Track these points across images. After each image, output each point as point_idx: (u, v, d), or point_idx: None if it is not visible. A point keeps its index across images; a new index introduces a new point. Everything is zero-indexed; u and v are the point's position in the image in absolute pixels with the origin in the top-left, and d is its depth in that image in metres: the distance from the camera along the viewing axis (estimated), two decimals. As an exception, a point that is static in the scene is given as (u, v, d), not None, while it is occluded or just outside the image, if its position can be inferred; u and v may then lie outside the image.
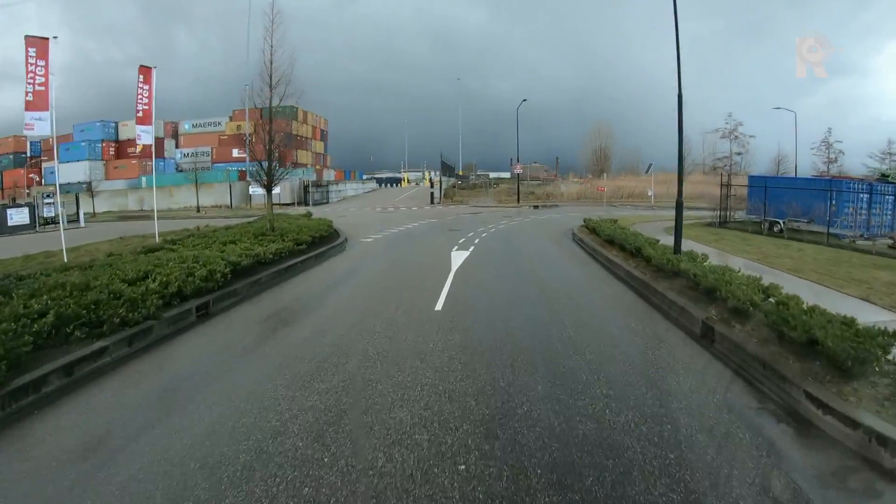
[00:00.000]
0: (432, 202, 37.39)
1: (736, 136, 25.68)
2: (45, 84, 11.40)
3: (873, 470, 2.98)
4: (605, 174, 54.35)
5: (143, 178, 49.22)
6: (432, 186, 41.33)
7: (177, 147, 54.25)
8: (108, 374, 4.72)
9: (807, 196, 16.75)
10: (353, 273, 9.52)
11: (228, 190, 40.11)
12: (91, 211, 39.30)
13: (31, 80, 11.25)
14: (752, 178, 20.90)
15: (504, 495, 2.68)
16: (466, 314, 6.19)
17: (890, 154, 27.24)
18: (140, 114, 15.02)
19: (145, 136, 15.46)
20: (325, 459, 3.06)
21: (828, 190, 16.48)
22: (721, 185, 19.19)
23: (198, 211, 35.29)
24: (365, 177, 67.91)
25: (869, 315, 6.03)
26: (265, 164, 12.37)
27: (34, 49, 11.37)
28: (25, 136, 56.14)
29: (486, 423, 3.47)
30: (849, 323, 4.68)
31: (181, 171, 48.28)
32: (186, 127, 54.37)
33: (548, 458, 3.03)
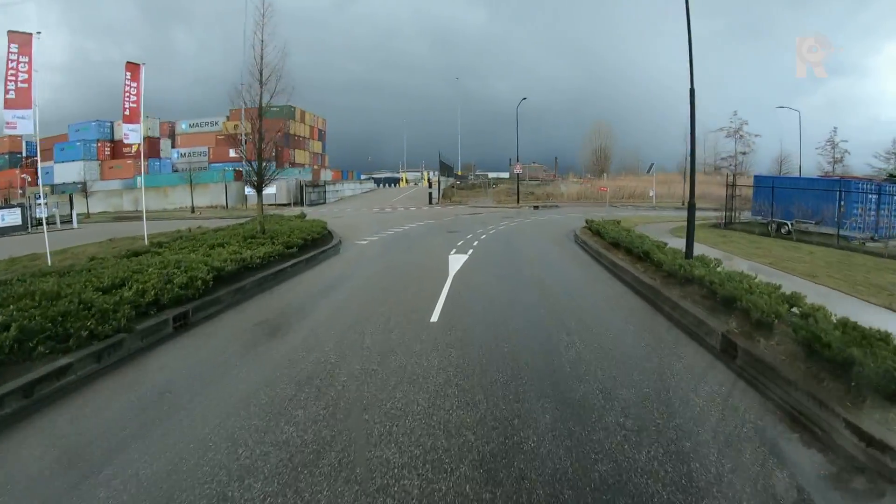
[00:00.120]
0: (430, 202, 36.89)
1: (741, 136, 25.22)
2: (28, 81, 10.92)
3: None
4: (605, 174, 53.91)
5: (139, 178, 48.52)
6: (430, 187, 40.83)
7: (174, 147, 53.71)
8: (71, 396, 4.25)
9: (815, 197, 16.31)
10: (345, 279, 9.02)
11: (224, 190, 39.58)
12: (85, 211, 38.78)
13: (14, 78, 10.77)
14: (757, 178, 20.43)
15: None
16: (464, 327, 5.69)
17: (896, 154, 26.88)
18: (127, 112, 14.52)
19: (133, 134, 14.95)
20: (296, 512, 2.58)
21: (836, 190, 16.05)
22: (726, 185, 18.73)
23: (192, 212, 34.76)
24: (363, 177, 67.38)
25: (898, 326, 5.57)
26: (255, 164, 11.86)
27: (16, 45, 10.88)
28: (10, 136, 55.55)
29: (486, 463, 2.99)
30: (885, 338, 4.25)
31: (177, 171, 47.72)
32: (183, 126, 53.83)
33: (560, 511, 2.56)
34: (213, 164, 49.15)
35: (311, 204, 38.01)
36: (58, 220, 29.66)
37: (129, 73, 14.45)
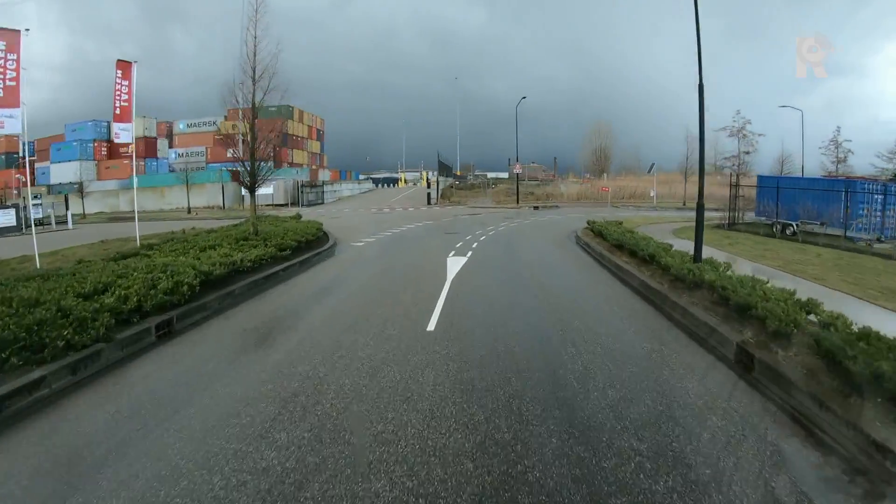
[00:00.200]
0: (429, 203, 36.56)
1: (744, 135, 24.87)
2: (17, 79, 10.60)
3: None
4: (605, 174, 53.68)
5: (135, 179, 48.28)
6: (429, 187, 40.48)
7: (172, 147, 53.32)
8: (43, 412, 3.94)
9: (820, 197, 16.03)
10: (339, 283, 8.68)
11: (221, 190, 39.20)
12: (81, 212, 38.44)
13: (1, 76, 10.45)
14: (761, 178, 20.13)
15: None
16: (463, 337, 5.35)
17: (899, 153, 26.56)
18: (118, 111, 14.21)
19: (124, 134, 14.62)
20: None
21: (842, 191, 15.77)
22: (730, 185, 18.42)
23: (189, 212, 34.41)
24: (361, 177, 67.04)
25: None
26: (249, 164, 11.53)
27: (4, 42, 10.56)
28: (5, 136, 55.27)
29: (487, 498, 2.67)
30: (913, 349, 3.95)
31: (174, 171, 47.34)
32: (181, 126, 53.44)
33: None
34: (210, 165, 48.75)
35: (309, 204, 37.67)
36: (53, 221, 29.39)
37: (119, 72, 14.13)
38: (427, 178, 45.42)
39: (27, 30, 11.29)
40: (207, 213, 34.22)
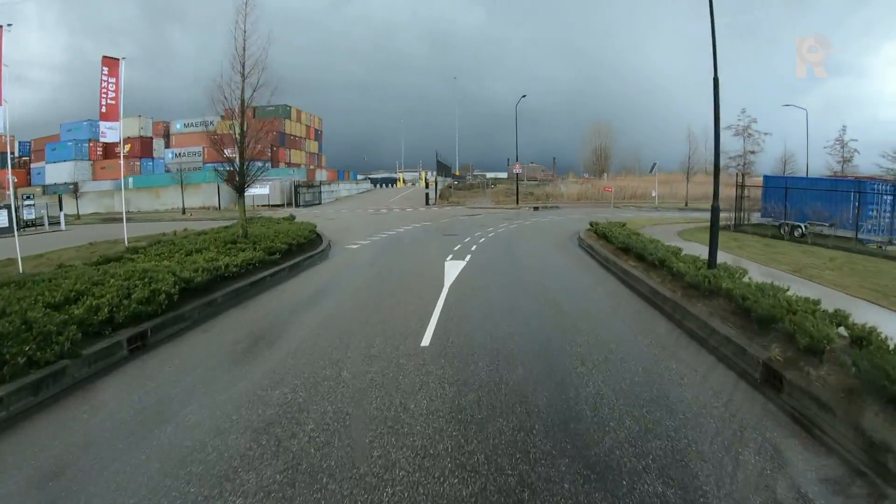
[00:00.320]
0: (427, 203, 36.08)
1: (749, 134, 24.40)
2: (-2, 76, 10.15)
3: None
4: (605, 174, 53.25)
5: (131, 179, 47.82)
6: (427, 187, 39.99)
7: (169, 147, 52.79)
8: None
9: (829, 198, 15.57)
10: (329, 290, 8.15)
11: (217, 191, 38.65)
12: (75, 212, 37.96)
13: (-18, 73, 10.02)
14: (767, 178, 19.66)
15: None
16: (460, 354, 4.84)
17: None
18: (104, 109, 13.73)
19: (111, 132, 14.15)
20: None
21: (852, 191, 15.32)
22: (736, 185, 17.95)
23: (183, 213, 33.92)
24: (360, 177, 66.53)
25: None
26: (238, 164, 11.04)
27: (-14, 39, 10.12)
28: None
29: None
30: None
31: (169, 171, 46.85)
32: (178, 126, 52.90)
33: None
34: (207, 165, 48.24)
35: (306, 205, 37.17)
36: (46, 222, 28.94)
37: (106, 69, 13.65)
38: (426, 179, 44.91)
39: (9, 25, 10.85)
40: (203, 213, 33.73)
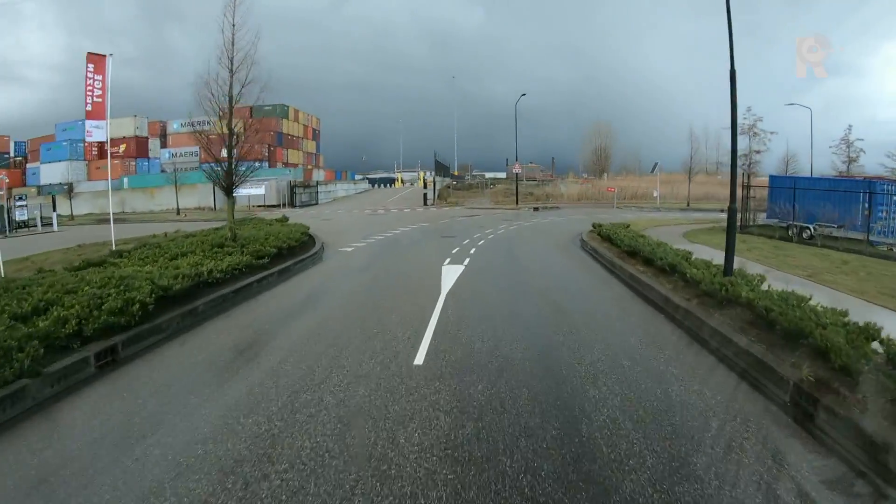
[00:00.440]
0: (425, 204, 35.62)
1: (755, 133, 23.99)
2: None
3: None
4: (605, 174, 52.85)
5: (126, 179, 47.37)
6: (426, 187, 39.50)
7: (166, 147, 52.33)
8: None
9: (838, 199, 15.14)
10: (318, 299, 7.62)
11: (212, 191, 38.15)
12: (69, 213, 37.49)
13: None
14: (773, 178, 19.22)
15: None
16: (457, 375, 4.34)
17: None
18: (90, 107, 13.24)
19: (97, 132, 13.64)
20: None
21: (861, 192, 14.89)
22: (742, 185, 17.49)
23: (178, 213, 33.43)
24: (358, 177, 66.10)
25: None
26: (227, 163, 10.57)
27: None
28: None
29: None
30: None
31: (165, 171, 46.40)
32: (175, 126, 52.42)
33: None
34: (203, 165, 47.78)
35: (302, 205, 36.69)
36: (39, 223, 28.51)
37: (91, 65, 13.17)
38: (424, 179, 44.40)
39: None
40: (198, 214, 33.25)
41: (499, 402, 3.77)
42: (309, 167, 56.25)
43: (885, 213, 15.29)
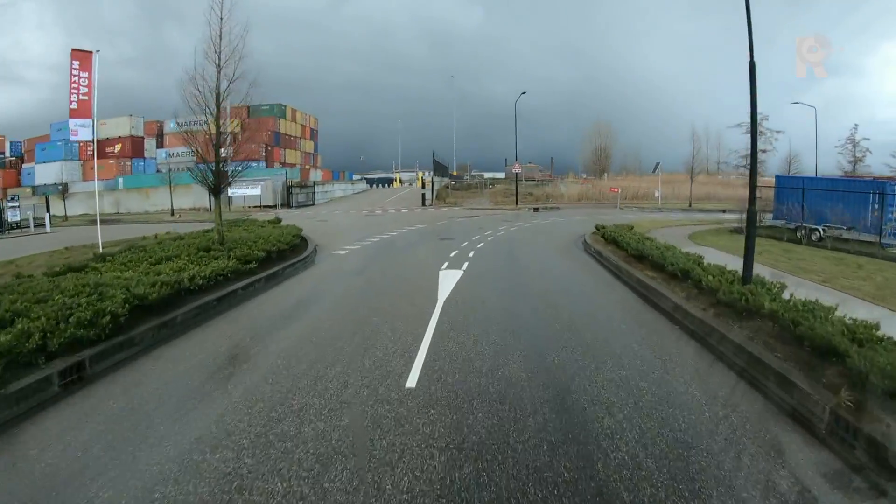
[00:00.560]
0: (424, 204, 35.15)
1: (761, 132, 23.58)
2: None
3: None
4: (605, 174, 52.45)
5: (120, 180, 46.92)
6: (424, 187, 39.02)
7: (162, 146, 51.84)
8: None
9: (847, 199, 14.72)
10: (305, 309, 7.11)
11: (207, 191, 37.69)
12: (63, 214, 37.04)
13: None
14: (780, 178, 18.81)
15: None
16: (454, 401, 3.86)
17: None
18: (75, 105, 12.80)
19: (83, 131, 13.19)
20: None
21: (871, 192, 14.49)
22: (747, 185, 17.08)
23: (172, 214, 32.96)
24: (356, 177, 65.62)
25: None
26: (214, 163, 10.12)
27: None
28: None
29: None
30: None
31: (160, 171, 45.93)
32: (171, 126, 51.87)
33: None
34: (199, 165, 47.24)
35: (299, 205, 36.22)
36: (31, 224, 28.08)
37: (76, 62, 12.72)
38: (422, 179, 43.91)
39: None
40: (192, 215, 32.77)
41: (502, 435, 3.30)
42: (306, 167, 55.79)
43: (894, 215, 14.90)
